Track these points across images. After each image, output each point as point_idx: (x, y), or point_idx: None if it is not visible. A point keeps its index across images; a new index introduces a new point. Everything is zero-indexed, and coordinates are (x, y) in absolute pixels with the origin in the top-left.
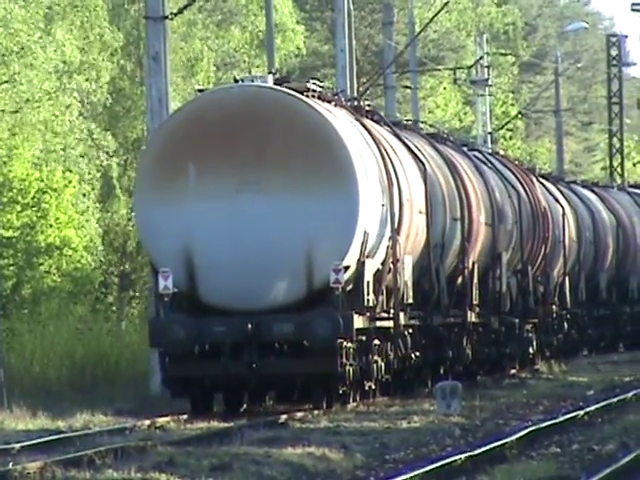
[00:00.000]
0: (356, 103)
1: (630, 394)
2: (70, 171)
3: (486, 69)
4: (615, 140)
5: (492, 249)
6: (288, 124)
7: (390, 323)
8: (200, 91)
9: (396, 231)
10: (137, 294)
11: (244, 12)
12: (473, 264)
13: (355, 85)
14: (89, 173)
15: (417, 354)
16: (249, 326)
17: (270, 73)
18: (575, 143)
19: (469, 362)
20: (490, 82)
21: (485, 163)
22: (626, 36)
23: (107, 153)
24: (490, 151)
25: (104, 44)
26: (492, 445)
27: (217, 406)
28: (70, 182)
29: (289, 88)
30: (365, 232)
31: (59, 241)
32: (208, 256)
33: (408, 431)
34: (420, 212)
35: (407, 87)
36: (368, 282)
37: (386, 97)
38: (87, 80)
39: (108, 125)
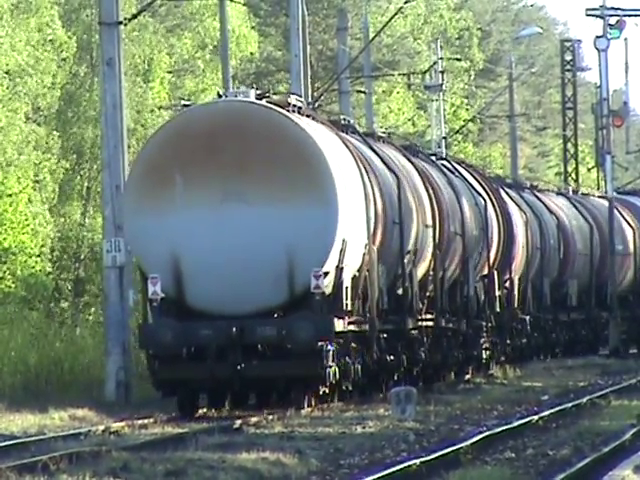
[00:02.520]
0: (310, 107)
1: (585, 399)
2: (24, 177)
3: (440, 74)
4: (569, 145)
5: (461, 255)
6: (271, 137)
7: (366, 327)
8: (186, 106)
9: (371, 240)
10: (91, 300)
11: (197, 17)
12: (444, 270)
13: (309, 90)
14: (43, 178)
15: (392, 357)
16: (234, 329)
17: (252, 88)
18: (529, 148)
19: (439, 365)
20: (444, 87)
21: (453, 172)
22: (580, 41)
23: (57, 158)
24: (453, 159)
25: (57, 48)
26: (447, 450)
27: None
28: (25, 188)
29: (271, 103)
30: (344, 240)
31: (14, 246)
32: (194, 263)
33: (363, 436)
34: (394, 222)
35: (361, 92)
36: (347, 288)
37: (340, 102)
38: (39, 84)
39: (59, 130)
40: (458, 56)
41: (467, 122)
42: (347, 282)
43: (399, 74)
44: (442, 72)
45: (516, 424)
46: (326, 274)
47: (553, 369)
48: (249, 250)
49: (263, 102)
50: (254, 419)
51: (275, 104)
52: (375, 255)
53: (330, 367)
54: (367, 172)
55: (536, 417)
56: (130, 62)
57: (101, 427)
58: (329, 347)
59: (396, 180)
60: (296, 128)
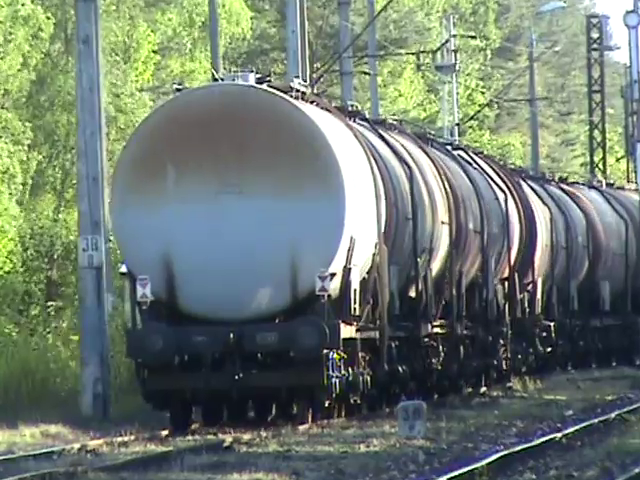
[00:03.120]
0: (312, 91)
1: (613, 414)
2: None
3: (453, 54)
4: (596, 132)
5: (480, 255)
6: (271, 125)
7: (376, 334)
8: (179, 90)
9: (382, 238)
10: (66, 304)
11: None
12: (461, 271)
13: (308, 71)
14: (13, 169)
15: (404, 367)
16: (231, 336)
17: (252, 71)
18: (552, 136)
19: (455, 376)
20: (457, 68)
21: (470, 164)
22: (608, 17)
23: (28, 147)
24: (470, 149)
25: (31, 26)
26: (460, 471)
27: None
28: None
29: (272, 87)
30: (352, 238)
31: None
32: (188, 262)
33: (367, 456)
34: (407, 218)
35: (365, 73)
36: (355, 290)
37: (342, 84)
38: (9, 64)
39: (31, 117)
40: (473, 33)
41: (483, 107)
42: (355, 284)
43: (407, 53)
44: (455, 51)
45: (537, 442)
46: (332, 275)
47: (578, 381)
48: (248, 248)
49: (264, 86)
50: (246, 436)
51: (277, 89)
52: (386, 255)
53: (336, 377)
54: (377, 163)
55: (559, 434)
56: (109, 40)
57: (76, 445)
58: (335, 355)
59: (409, 172)
60: (300, 115)
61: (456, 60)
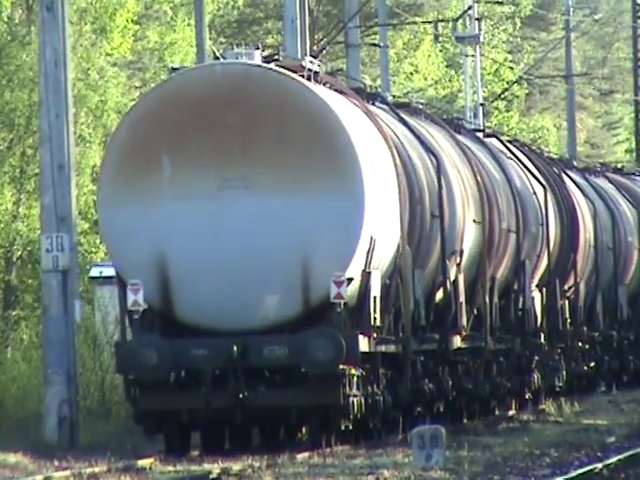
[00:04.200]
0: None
1: None
2: None
3: (476, 22)
4: None
5: (515, 258)
6: (280, 109)
7: (399, 347)
8: (174, 69)
9: (405, 238)
10: (26, 313)
11: None
12: (494, 277)
13: (308, 43)
14: None
15: (430, 386)
16: (235, 349)
17: (257, 48)
18: (592, 118)
19: (487, 395)
20: (482, 39)
21: (504, 153)
22: None
23: None
24: (510, 137)
25: None
26: None
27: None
28: None
29: (281, 66)
30: (372, 238)
31: None
32: (186, 266)
33: None
34: (434, 215)
35: (375, 45)
36: (375, 297)
37: (348, 58)
38: None
39: None
40: None
41: (511, 84)
42: (375, 290)
43: (423, 22)
44: (479, 19)
45: (574, 474)
46: (349, 280)
47: (621, 403)
48: (254, 250)
49: (272, 65)
50: (237, 466)
51: (286, 68)
52: (410, 257)
53: (354, 397)
54: (399, 153)
55: (600, 465)
56: (77, 7)
57: (39, 477)
58: (353, 371)
59: (436, 163)
60: (313, 98)
61: (480, 30)
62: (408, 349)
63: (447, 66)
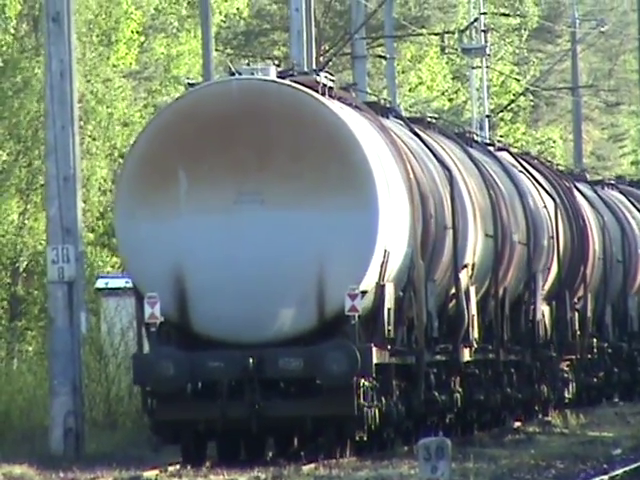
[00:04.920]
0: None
1: None
2: None
3: (483, 34)
4: None
5: (526, 270)
6: (296, 124)
7: (412, 359)
8: (191, 85)
9: (419, 251)
10: (32, 325)
11: None
12: (505, 289)
13: (314, 54)
14: None
15: (443, 397)
16: (250, 361)
17: (273, 64)
18: (597, 130)
19: (499, 407)
20: (488, 51)
21: (515, 167)
22: None
23: None
24: (521, 151)
25: None
26: None
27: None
28: None
29: (296, 82)
30: (385, 251)
31: None
32: (202, 279)
33: None
34: (446, 227)
35: (381, 57)
36: (389, 310)
37: (354, 69)
38: None
39: None
40: (506, 11)
41: (518, 96)
42: (389, 303)
43: (430, 34)
44: (485, 31)
45: None
46: (364, 293)
47: (627, 415)
48: (269, 263)
49: (287, 81)
50: (242, 478)
51: (301, 84)
52: (423, 270)
53: (368, 408)
54: (413, 167)
55: (605, 477)
56: (84, 18)
57: None
58: (367, 383)
59: (449, 176)
60: (328, 114)
61: (487, 42)
62: (421, 360)
63: (453, 78)
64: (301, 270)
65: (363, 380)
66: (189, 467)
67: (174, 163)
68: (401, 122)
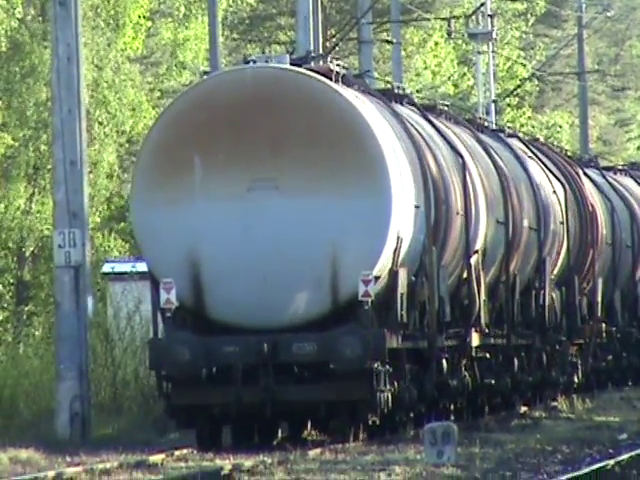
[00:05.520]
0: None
1: None
2: None
3: (489, 19)
4: None
5: (536, 256)
6: (310, 112)
7: (424, 343)
8: (206, 73)
9: (432, 237)
10: (39, 309)
11: None
12: (515, 274)
13: (320, 39)
14: None
15: (455, 382)
16: (265, 346)
17: (288, 52)
18: (604, 115)
19: (509, 391)
20: (494, 36)
21: (525, 152)
22: None
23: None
24: (531, 137)
25: None
26: None
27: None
28: None
29: (310, 70)
30: (398, 237)
31: None
32: (217, 265)
33: None
34: (459, 214)
35: (387, 42)
36: (402, 295)
37: (360, 54)
38: None
39: (1, 90)
40: None
41: (524, 81)
42: (402, 288)
43: (436, 19)
44: (491, 16)
45: (586, 470)
46: (377, 279)
47: (634, 400)
48: (283, 249)
49: (301, 69)
50: (248, 462)
51: (315, 71)
52: (435, 255)
53: (382, 392)
54: (425, 153)
55: (612, 462)
56: (91, 2)
57: (51, 473)
58: (380, 367)
59: (461, 162)
60: (342, 101)
61: (493, 27)
62: (433, 345)
63: (459, 63)
64: (315, 256)
65: (376, 365)
66: (195, 451)
67: (189, 150)
68: (414, 108)
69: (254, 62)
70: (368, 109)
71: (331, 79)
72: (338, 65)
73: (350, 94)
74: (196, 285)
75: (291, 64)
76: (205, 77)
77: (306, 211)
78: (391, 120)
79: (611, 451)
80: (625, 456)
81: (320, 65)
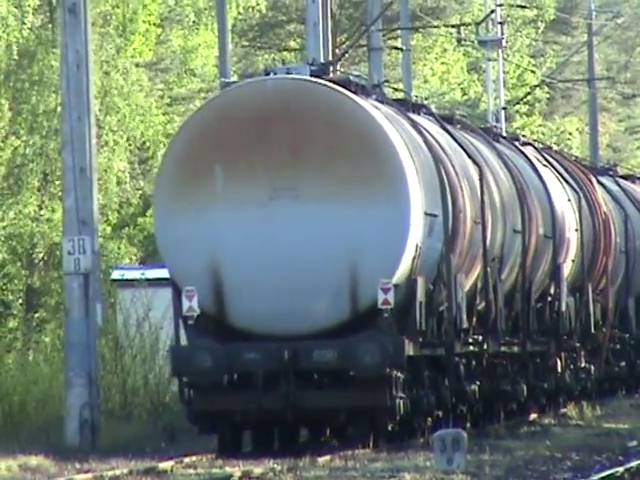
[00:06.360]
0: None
1: None
2: None
3: (499, 26)
4: None
5: (551, 263)
6: (330, 123)
7: (442, 351)
8: (227, 84)
9: (449, 245)
10: (48, 316)
11: None
12: (531, 282)
13: (330, 46)
14: None
15: (472, 388)
16: (285, 353)
17: (308, 64)
18: (614, 122)
19: (524, 399)
20: (504, 43)
21: (540, 161)
22: None
23: (6, 133)
24: (544, 145)
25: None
26: None
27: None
28: None
29: (330, 80)
30: (417, 246)
31: None
32: (238, 273)
33: None
34: (476, 222)
35: (397, 48)
36: (420, 303)
37: (370, 61)
38: None
39: (11, 99)
40: (523, 2)
41: (534, 88)
42: (420, 296)
43: (446, 26)
44: (501, 23)
45: (595, 478)
46: (396, 287)
47: None
48: (304, 257)
49: (321, 80)
50: (258, 469)
51: (335, 82)
52: (453, 263)
53: (401, 398)
54: (444, 163)
55: (621, 469)
56: (100, 9)
57: None
58: (399, 374)
59: (478, 171)
60: (361, 112)
61: (503, 34)
62: (451, 352)
63: (469, 70)
64: (335, 264)
65: (396, 372)
66: (204, 458)
67: (211, 160)
68: (431, 118)
69: (275, 73)
70: (387, 119)
71: (350, 89)
72: (357, 76)
73: (369, 105)
74: (218, 293)
75: (311, 75)
76: (226, 88)
77: (326, 220)
78: (409, 130)
79: (621, 458)
80: (634, 463)
81: (339, 75)
